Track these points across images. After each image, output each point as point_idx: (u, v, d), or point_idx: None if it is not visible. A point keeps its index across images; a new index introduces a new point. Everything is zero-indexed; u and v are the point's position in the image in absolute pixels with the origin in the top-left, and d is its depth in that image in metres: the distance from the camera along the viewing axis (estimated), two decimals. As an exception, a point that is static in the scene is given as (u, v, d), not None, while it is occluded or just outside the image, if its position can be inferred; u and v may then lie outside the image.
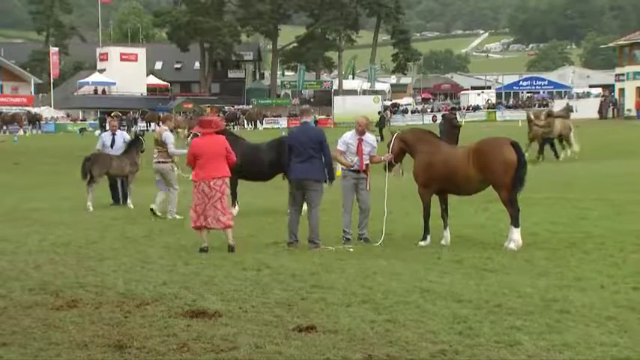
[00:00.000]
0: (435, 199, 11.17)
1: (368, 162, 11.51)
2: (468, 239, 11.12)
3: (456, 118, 26.67)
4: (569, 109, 29.39)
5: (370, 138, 11.65)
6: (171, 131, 15.27)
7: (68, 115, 77.14)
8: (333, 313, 7.10)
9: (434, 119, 66.17)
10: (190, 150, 10.81)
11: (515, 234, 10.41)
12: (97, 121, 64.18)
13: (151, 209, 14.34)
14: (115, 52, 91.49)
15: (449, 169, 10.77)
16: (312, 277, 8.62)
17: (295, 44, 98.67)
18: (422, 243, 10.95)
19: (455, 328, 6.58)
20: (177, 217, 14.13)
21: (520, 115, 70.84)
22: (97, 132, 54.39)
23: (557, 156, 25.85)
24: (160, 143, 14.46)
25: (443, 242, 10.93)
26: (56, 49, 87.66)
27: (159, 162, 14.51)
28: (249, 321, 6.87)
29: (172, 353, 6.04)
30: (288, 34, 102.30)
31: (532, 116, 25.96)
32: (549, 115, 26.26)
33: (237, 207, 14.74)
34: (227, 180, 10.69)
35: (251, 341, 6.24)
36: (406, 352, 6.00)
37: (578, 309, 7.12)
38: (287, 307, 7.33)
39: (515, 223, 10.42)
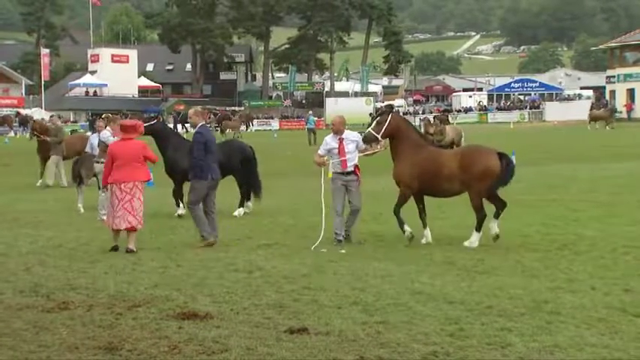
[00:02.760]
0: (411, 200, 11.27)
1: (356, 162, 11.41)
2: (460, 241, 11.12)
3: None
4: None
5: (351, 135, 11.51)
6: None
7: (59, 117, 76.77)
8: (325, 314, 7.11)
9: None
10: (109, 153, 10.96)
11: (475, 237, 10.76)
12: (88, 123, 63.81)
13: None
14: (106, 53, 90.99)
15: (435, 168, 10.89)
16: (304, 279, 8.62)
17: (287, 46, 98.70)
18: (422, 240, 11.02)
19: (446, 329, 6.60)
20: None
21: (512, 116, 71.22)
22: (89, 133, 54.25)
23: None
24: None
25: (424, 241, 11.00)
26: (47, 50, 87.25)
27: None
28: (241, 323, 6.86)
29: (163, 355, 6.04)
30: (280, 36, 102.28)
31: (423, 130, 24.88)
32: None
33: (181, 207, 14.51)
34: (139, 184, 10.86)
35: (242, 343, 6.25)
36: (397, 354, 6.01)
37: (569, 310, 7.15)
38: (279, 309, 7.33)
39: (479, 228, 10.79)
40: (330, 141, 11.42)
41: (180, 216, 14.30)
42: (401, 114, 73.09)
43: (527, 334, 6.45)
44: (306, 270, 9.13)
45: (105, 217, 13.96)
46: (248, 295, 7.92)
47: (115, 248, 10.74)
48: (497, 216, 11.00)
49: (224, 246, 11.05)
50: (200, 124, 11.55)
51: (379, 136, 11.10)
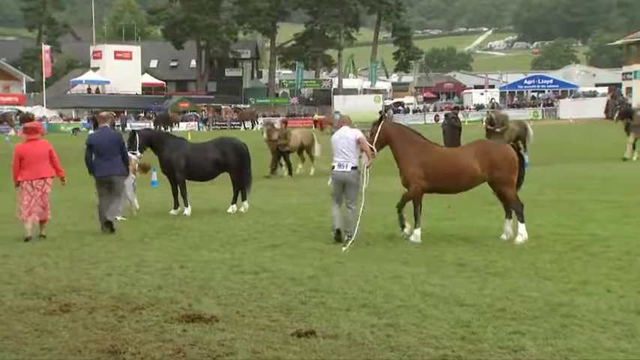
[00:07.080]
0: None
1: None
2: (471, 242, 10.98)
3: (456, 118, 25.86)
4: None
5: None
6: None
7: (61, 115, 76.41)
8: (333, 317, 7.03)
9: (436, 119, 66.01)
10: (16, 153, 11.92)
11: (522, 228, 10.81)
12: (88, 121, 63.43)
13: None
14: (109, 50, 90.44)
15: (455, 170, 10.93)
16: (312, 281, 8.53)
17: (294, 42, 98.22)
18: (412, 237, 10.95)
19: (457, 333, 6.52)
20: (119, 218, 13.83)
21: (524, 114, 70.64)
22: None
23: (290, 172, 22.54)
24: None
25: (413, 239, 10.96)
26: (48, 46, 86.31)
27: None
28: (247, 326, 6.80)
29: (168, 359, 5.99)
30: (287, 32, 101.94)
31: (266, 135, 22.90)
32: None
33: (189, 207, 14.59)
34: (49, 180, 12.11)
35: (249, 347, 6.19)
36: (407, 358, 5.95)
37: (584, 313, 7.05)
38: (286, 312, 7.26)
39: (522, 218, 10.85)
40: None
41: (184, 215, 14.31)
42: (410, 112, 72.63)
43: (540, 337, 6.35)
44: (313, 272, 9.02)
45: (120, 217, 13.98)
46: (254, 297, 7.85)
47: (28, 239, 11.60)
48: (510, 216, 10.91)
49: (229, 247, 10.96)
50: (102, 126, 13.11)
51: (372, 146, 11.12)
